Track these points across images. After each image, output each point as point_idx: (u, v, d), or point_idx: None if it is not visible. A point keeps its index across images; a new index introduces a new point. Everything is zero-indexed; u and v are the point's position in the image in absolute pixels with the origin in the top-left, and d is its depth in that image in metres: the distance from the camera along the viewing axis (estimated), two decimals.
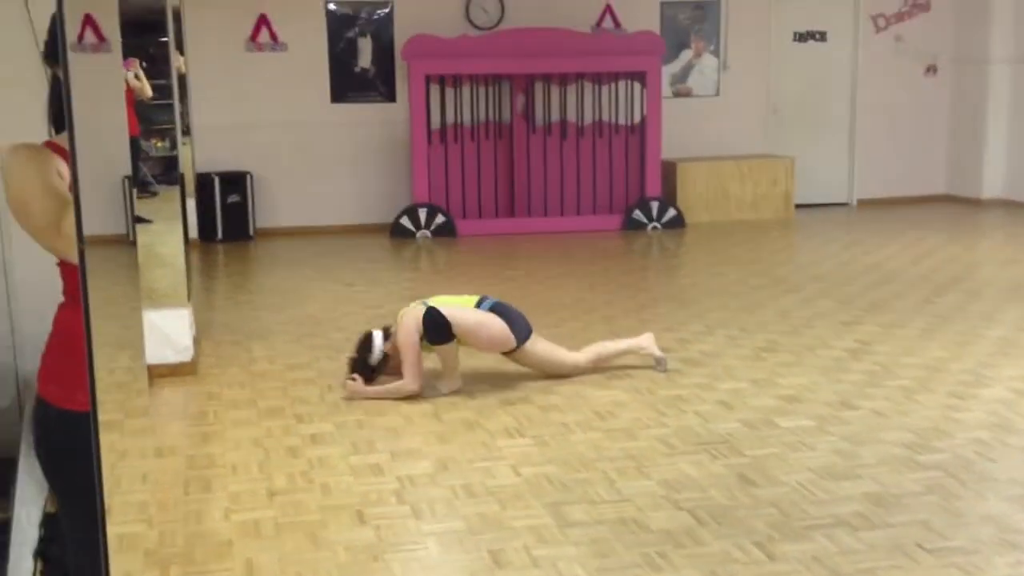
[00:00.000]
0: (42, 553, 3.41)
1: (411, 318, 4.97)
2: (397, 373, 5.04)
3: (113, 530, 3.55)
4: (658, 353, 5.38)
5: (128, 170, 5.64)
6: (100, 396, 3.76)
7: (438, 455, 4.27)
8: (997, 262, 8.48)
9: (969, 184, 11.55)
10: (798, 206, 10.89)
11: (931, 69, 11.59)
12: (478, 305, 5.11)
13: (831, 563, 3.29)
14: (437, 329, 4.92)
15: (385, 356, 5.08)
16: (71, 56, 1.98)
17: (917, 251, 8.74)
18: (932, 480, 3.94)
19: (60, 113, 2.41)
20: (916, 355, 5.61)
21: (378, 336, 5.08)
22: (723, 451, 4.26)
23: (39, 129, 2.55)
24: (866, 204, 11.50)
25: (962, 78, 11.55)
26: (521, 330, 5.11)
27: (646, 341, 5.42)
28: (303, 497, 3.86)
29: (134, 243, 4.95)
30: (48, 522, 3.61)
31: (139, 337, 4.10)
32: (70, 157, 1.58)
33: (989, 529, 3.52)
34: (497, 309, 5.11)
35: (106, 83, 4.64)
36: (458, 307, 5.04)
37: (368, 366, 5.04)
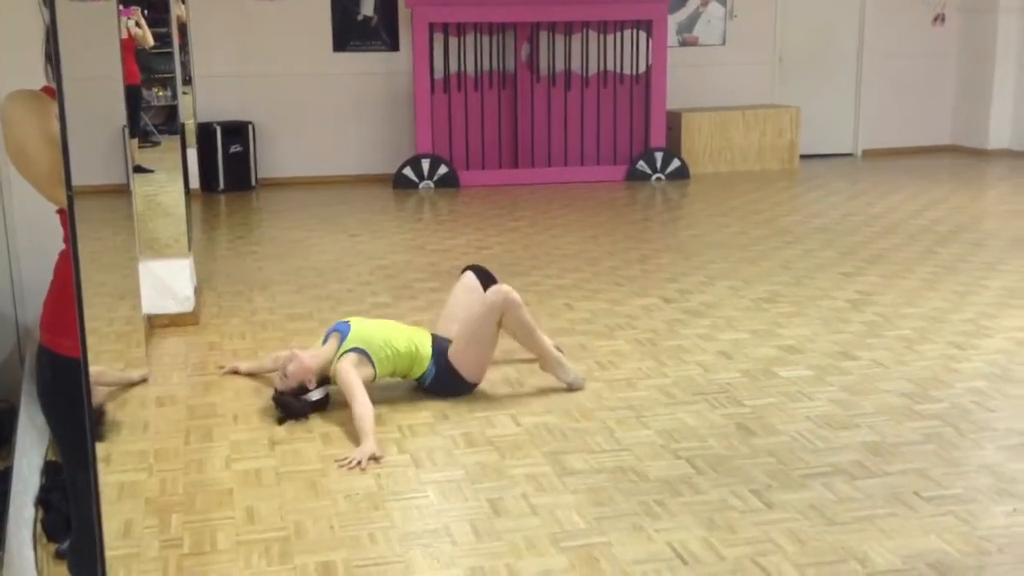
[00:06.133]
0: (43, 501, 3.44)
1: (345, 367, 4.19)
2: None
3: (114, 478, 3.59)
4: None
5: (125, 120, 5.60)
6: (101, 346, 3.77)
7: (438, 405, 4.28)
8: (1001, 213, 8.44)
9: (975, 135, 11.46)
10: (803, 156, 10.83)
11: (939, 18, 11.46)
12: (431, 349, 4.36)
13: (828, 511, 3.30)
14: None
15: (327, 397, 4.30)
16: (68, 4, 1.96)
17: (921, 202, 8.70)
18: (930, 429, 3.95)
19: None
20: (917, 305, 5.60)
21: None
22: (723, 401, 4.27)
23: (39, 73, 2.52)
24: (871, 154, 11.43)
25: (970, 27, 11.41)
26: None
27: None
28: (303, 446, 3.89)
29: (129, 192, 4.95)
30: (49, 470, 3.65)
31: (136, 287, 4.11)
32: (58, 104, 1.56)
33: (986, 478, 3.54)
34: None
35: (104, 31, 4.61)
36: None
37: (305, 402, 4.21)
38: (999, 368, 4.61)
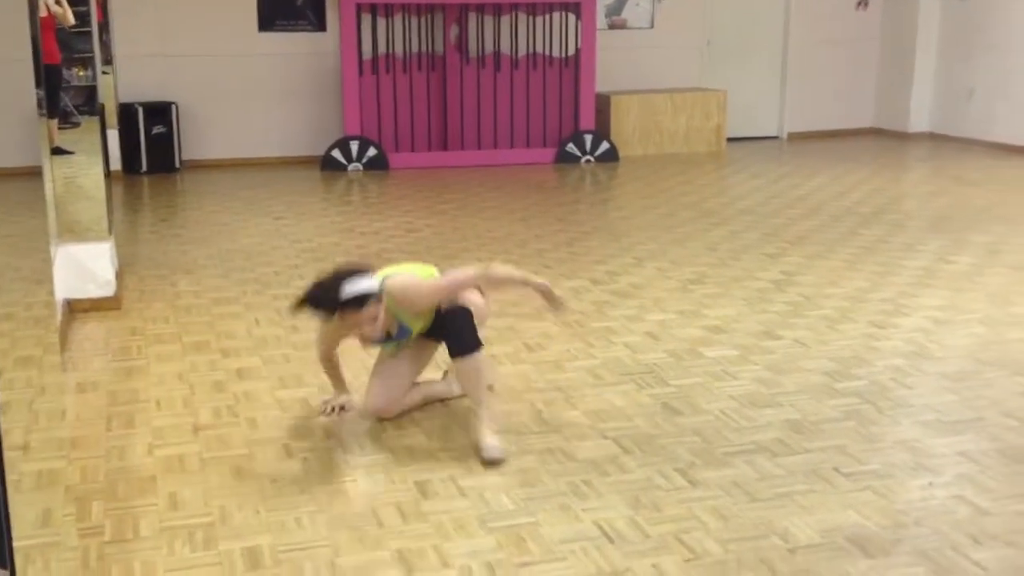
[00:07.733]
0: None
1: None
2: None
3: (32, 466, 3.52)
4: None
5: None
6: (18, 331, 3.67)
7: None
8: (921, 195, 8.63)
9: (897, 118, 11.70)
10: (730, 139, 10.96)
11: (862, 3, 11.65)
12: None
13: (750, 488, 3.36)
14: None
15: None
16: None
17: (844, 184, 8.86)
18: (850, 407, 4.03)
19: None
20: (838, 286, 5.71)
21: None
22: (649, 381, 4.32)
23: None
24: (796, 137, 11.61)
25: (892, 13, 11.63)
26: None
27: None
28: (229, 431, 3.84)
29: (41, 174, 4.84)
30: None
31: (50, 271, 4.02)
32: None
33: (903, 453, 3.62)
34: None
35: (15, 10, 4.49)
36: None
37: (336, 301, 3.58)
38: (916, 346, 4.72)
